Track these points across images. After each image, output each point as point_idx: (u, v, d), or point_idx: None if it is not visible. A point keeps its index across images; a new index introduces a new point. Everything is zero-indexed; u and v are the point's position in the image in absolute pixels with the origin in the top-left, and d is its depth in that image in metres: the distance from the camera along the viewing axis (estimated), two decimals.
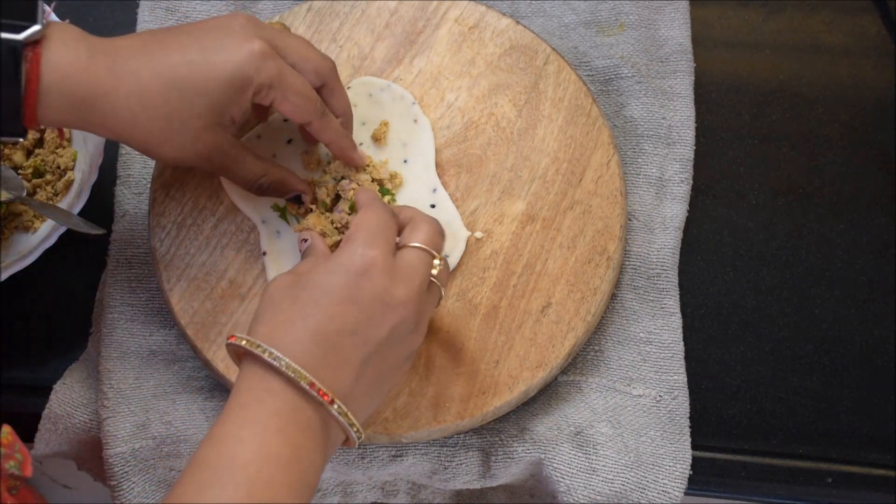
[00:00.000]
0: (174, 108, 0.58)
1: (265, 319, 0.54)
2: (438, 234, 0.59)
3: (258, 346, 0.52)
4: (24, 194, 0.71)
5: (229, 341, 0.53)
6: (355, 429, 0.53)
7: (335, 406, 0.52)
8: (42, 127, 0.62)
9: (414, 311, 0.55)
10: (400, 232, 0.59)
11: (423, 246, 0.57)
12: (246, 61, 0.59)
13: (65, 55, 0.56)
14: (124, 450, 0.65)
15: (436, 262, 0.58)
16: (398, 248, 0.58)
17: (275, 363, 0.51)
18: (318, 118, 0.63)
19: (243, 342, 0.52)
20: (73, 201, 0.70)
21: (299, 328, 0.52)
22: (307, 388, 0.51)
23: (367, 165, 0.70)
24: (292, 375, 0.51)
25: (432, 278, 0.58)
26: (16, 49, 0.54)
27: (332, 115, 0.65)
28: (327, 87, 0.64)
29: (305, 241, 0.63)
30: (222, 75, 0.58)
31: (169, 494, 0.49)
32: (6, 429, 0.53)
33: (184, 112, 0.59)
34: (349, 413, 0.52)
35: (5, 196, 0.70)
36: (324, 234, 0.66)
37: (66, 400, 0.67)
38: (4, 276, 0.66)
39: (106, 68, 0.57)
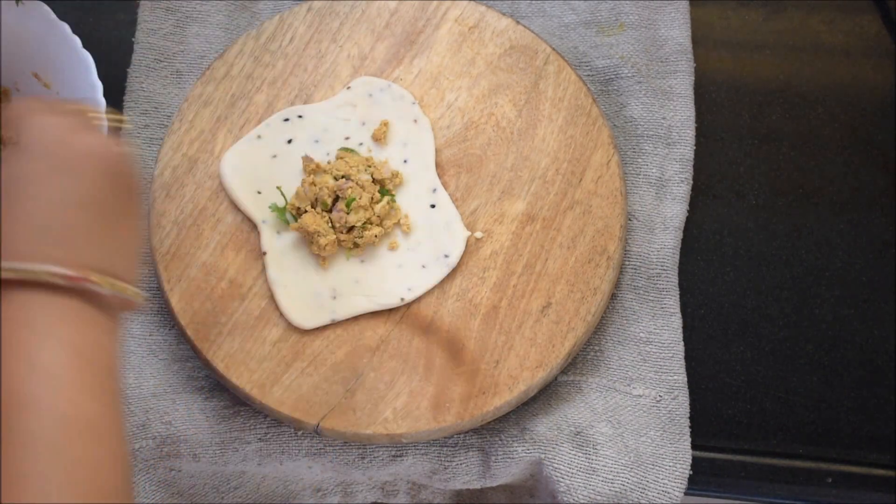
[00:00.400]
0: None
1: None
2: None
3: None
4: None
5: None
6: (128, 291, 0.49)
7: (93, 282, 0.48)
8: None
9: (105, 155, 0.51)
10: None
11: (78, 107, 0.55)
12: None
13: None
14: None
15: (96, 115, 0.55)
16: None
17: (13, 276, 0.46)
18: None
19: None
20: None
21: (19, 226, 0.48)
22: (54, 279, 0.47)
23: (369, 166, 0.70)
24: (33, 276, 0.47)
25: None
26: None
27: None
28: None
29: None
30: None
31: None
32: None
33: None
34: (113, 279, 0.48)
35: None
36: (318, 234, 0.66)
37: None
38: None
39: None
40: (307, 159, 0.70)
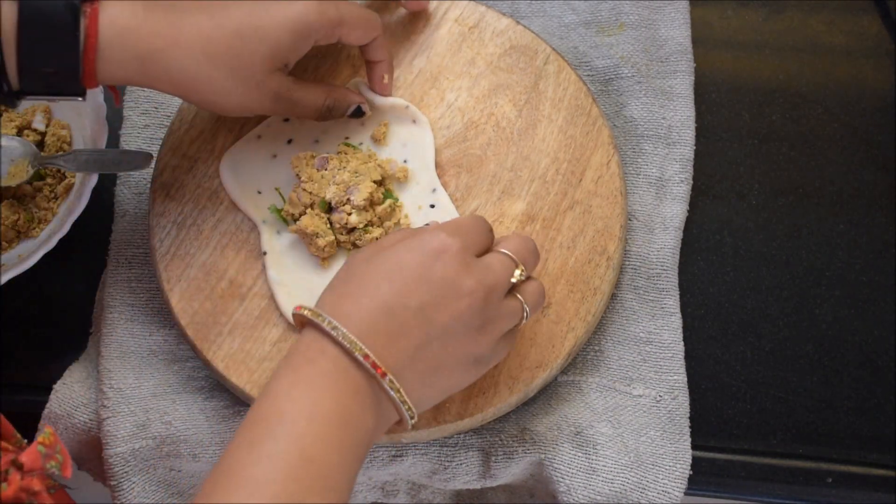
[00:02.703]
0: (238, 55, 0.60)
1: (336, 289, 0.55)
2: (530, 250, 0.60)
3: (319, 315, 0.53)
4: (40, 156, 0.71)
5: (295, 311, 0.55)
6: (407, 406, 0.54)
7: (387, 380, 0.52)
8: (100, 86, 0.62)
9: (481, 304, 0.55)
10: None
11: (507, 252, 0.58)
12: (306, 9, 0.62)
13: (122, 10, 0.58)
14: (124, 450, 0.65)
15: (517, 271, 0.58)
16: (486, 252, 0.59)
17: (332, 332, 0.52)
18: (381, 33, 0.68)
19: (306, 312, 0.54)
20: (73, 204, 0.70)
21: (365, 299, 0.53)
22: (361, 359, 0.52)
23: (371, 160, 0.69)
24: (348, 346, 0.52)
25: (516, 293, 0.58)
26: (74, 5, 0.56)
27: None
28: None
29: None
30: (285, 22, 0.62)
31: (225, 451, 0.50)
32: (48, 429, 0.54)
33: (247, 59, 0.61)
34: (402, 389, 0.53)
35: (23, 172, 0.70)
36: (317, 235, 0.66)
37: (66, 400, 0.67)
38: (4, 279, 0.66)
39: (167, 23, 0.59)
40: (299, 159, 0.69)
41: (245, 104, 0.63)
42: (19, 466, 0.52)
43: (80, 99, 0.60)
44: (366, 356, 0.52)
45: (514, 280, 0.58)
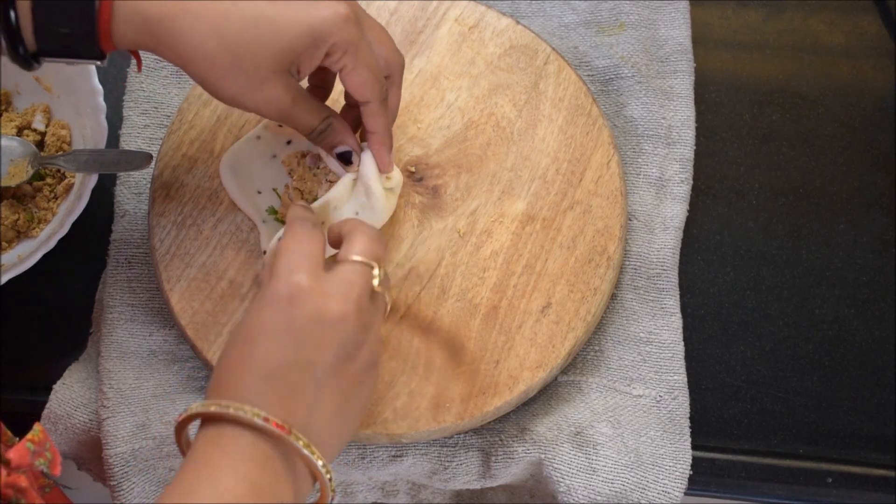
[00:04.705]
0: (247, 44, 0.57)
1: (214, 374, 0.53)
2: (376, 241, 0.57)
3: (201, 405, 0.51)
4: (40, 156, 0.70)
5: (179, 421, 0.52)
6: (320, 461, 0.51)
7: (293, 436, 0.50)
8: (117, 49, 0.59)
9: (355, 324, 0.54)
10: (339, 245, 0.58)
11: (359, 258, 0.56)
12: (330, 18, 0.57)
13: None
14: (124, 450, 0.65)
15: (375, 271, 0.56)
16: (336, 262, 0.56)
17: (224, 411, 0.50)
18: (377, 101, 0.62)
19: (192, 410, 0.51)
20: (73, 204, 0.70)
21: (244, 371, 0.51)
22: (262, 423, 0.49)
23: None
24: (243, 416, 0.49)
25: (375, 288, 0.56)
26: None
27: (388, 107, 0.64)
28: (390, 79, 0.64)
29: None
30: (305, 24, 0.57)
31: None
32: (38, 426, 0.54)
33: (256, 51, 0.57)
34: (311, 445, 0.51)
35: (23, 172, 0.70)
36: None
37: (66, 400, 0.67)
38: (4, 279, 0.66)
39: None
40: (291, 157, 0.69)
41: (240, 97, 0.59)
42: (6, 463, 0.52)
43: (98, 63, 0.58)
44: (265, 419, 0.49)
45: (376, 284, 0.56)
